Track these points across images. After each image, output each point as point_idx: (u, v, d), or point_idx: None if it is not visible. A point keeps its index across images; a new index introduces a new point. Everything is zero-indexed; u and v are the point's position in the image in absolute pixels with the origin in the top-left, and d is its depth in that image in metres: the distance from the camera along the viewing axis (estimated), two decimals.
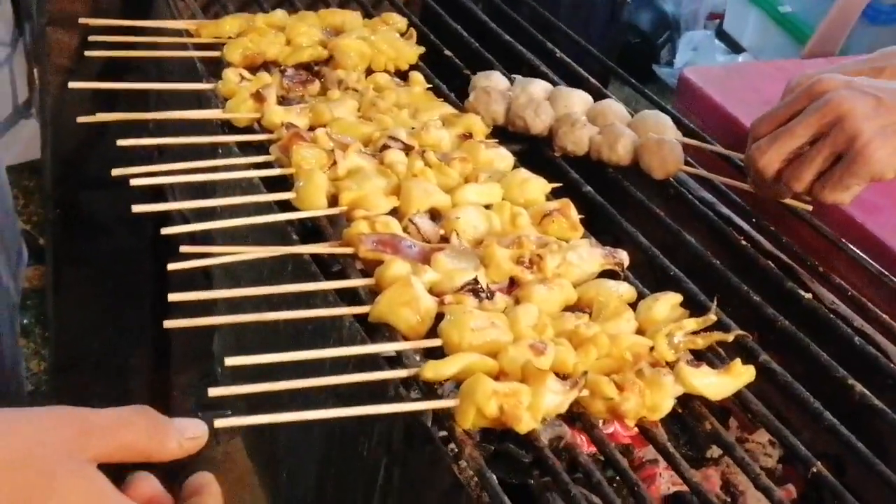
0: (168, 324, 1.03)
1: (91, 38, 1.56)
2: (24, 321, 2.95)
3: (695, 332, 1.11)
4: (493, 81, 1.52)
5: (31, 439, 0.71)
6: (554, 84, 1.57)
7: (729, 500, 1.24)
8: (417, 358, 1.08)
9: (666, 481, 1.23)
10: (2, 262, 1.99)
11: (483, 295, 1.11)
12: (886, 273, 1.33)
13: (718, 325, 1.14)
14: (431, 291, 1.12)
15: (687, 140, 1.46)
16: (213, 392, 0.92)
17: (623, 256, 1.22)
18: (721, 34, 4.53)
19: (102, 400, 2.19)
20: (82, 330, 2.27)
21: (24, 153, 3.25)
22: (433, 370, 1.00)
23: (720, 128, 2.44)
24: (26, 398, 3.13)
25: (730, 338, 1.12)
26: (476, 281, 1.12)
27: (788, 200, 1.38)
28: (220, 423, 0.90)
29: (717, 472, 1.27)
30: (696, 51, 4.49)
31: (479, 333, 1.04)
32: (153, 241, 1.93)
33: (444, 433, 1.01)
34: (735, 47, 4.39)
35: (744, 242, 1.33)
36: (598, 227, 1.33)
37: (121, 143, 1.29)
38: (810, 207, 1.39)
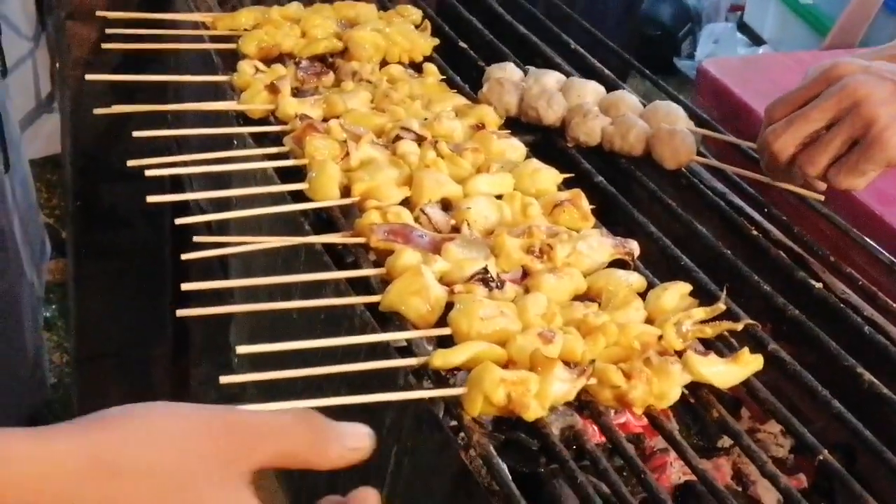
0: (181, 312, 1.05)
1: (109, 30, 1.58)
2: (48, 314, 2.98)
3: (704, 322, 1.11)
4: (507, 73, 1.53)
5: (183, 447, 0.64)
6: (567, 75, 1.58)
7: (740, 489, 1.24)
8: (428, 347, 1.09)
9: (677, 471, 1.23)
10: (26, 255, 2.02)
11: (493, 284, 1.12)
12: None
13: (728, 315, 1.14)
14: (442, 281, 1.13)
15: (698, 129, 1.46)
16: (224, 380, 0.93)
17: (633, 246, 1.22)
18: (742, 26, 4.51)
19: (124, 392, 2.23)
20: (103, 322, 2.30)
21: (46, 147, 3.29)
22: (442, 358, 1.01)
23: (739, 119, 2.44)
24: (49, 391, 3.17)
25: (739, 326, 1.12)
26: (486, 270, 1.13)
27: (800, 190, 1.38)
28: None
29: (728, 461, 1.27)
30: (717, 43, 4.47)
31: (488, 322, 1.05)
32: (172, 233, 1.95)
33: (455, 422, 1.02)
34: (756, 40, 4.38)
35: (755, 232, 1.33)
36: (610, 218, 1.33)
37: (136, 134, 1.31)
38: (822, 198, 1.39)
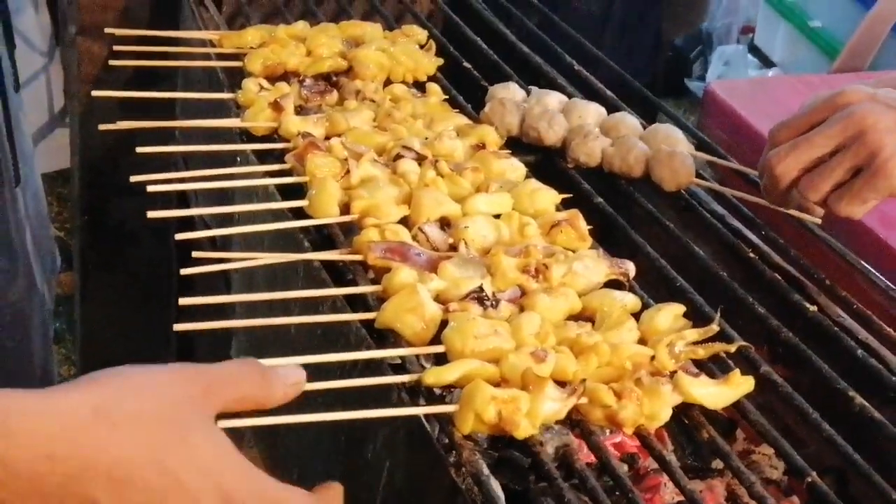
0: (178, 327, 1.06)
1: (116, 47, 1.60)
2: (57, 326, 3.00)
3: (697, 343, 1.12)
4: (509, 93, 1.54)
5: (162, 396, 0.76)
6: (570, 97, 1.59)
7: None
8: (423, 364, 1.10)
9: (671, 491, 1.24)
10: (37, 268, 2.04)
11: (487, 303, 1.13)
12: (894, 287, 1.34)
13: (722, 336, 1.15)
14: (438, 299, 1.14)
15: (697, 154, 1.47)
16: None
17: (629, 267, 1.23)
18: (753, 49, 4.53)
19: None
20: (109, 335, 2.31)
21: (59, 161, 3.31)
22: (434, 376, 1.02)
23: (745, 141, 2.46)
24: None
25: (731, 348, 1.13)
26: (481, 289, 1.14)
27: (797, 213, 1.38)
28: (223, 423, 0.93)
29: (722, 482, 1.27)
30: (727, 65, 4.49)
31: (481, 341, 1.06)
32: (177, 248, 1.97)
33: (447, 440, 1.03)
34: (767, 62, 4.39)
35: (752, 255, 1.34)
36: (609, 239, 1.34)
37: (140, 150, 1.33)
38: (819, 220, 1.40)
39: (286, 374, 0.85)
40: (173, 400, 0.76)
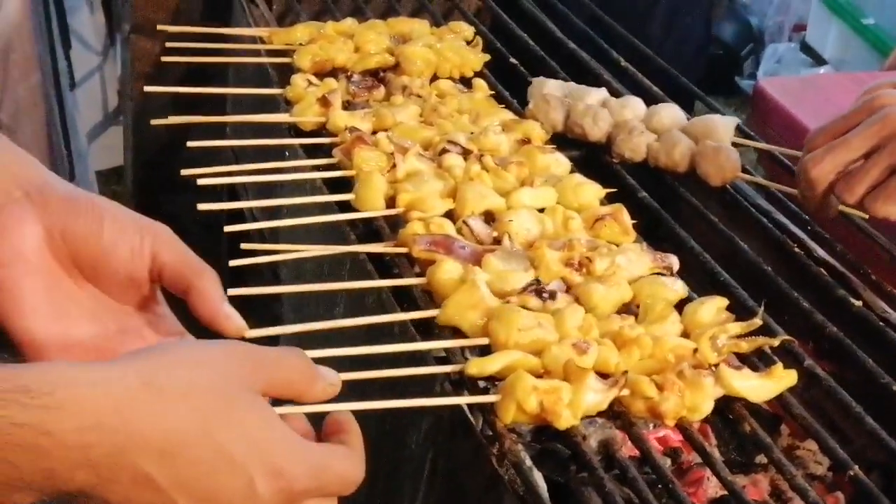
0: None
1: (169, 44, 1.63)
2: None
3: (740, 336, 1.12)
4: (549, 88, 1.55)
5: (212, 370, 0.77)
6: (615, 92, 1.59)
7: None
8: (466, 356, 1.11)
9: (714, 485, 1.24)
10: None
11: (545, 295, 1.14)
12: None
13: (765, 330, 1.15)
14: None
15: (743, 140, 1.47)
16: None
17: (672, 261, 1.23)
18: (805, 46, 4.49)
19: None
20: None
21: (112, 159, 3.36)
22: (478, 366, 1.04)
23: (795, 139, 2.44)
24: None
25: (775, 342, 1.13)
26: (538, 281, 1.14)
27: (844, 208, 1.38)
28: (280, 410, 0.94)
29: (765, 477, 1.27)
30: (779, 63, 4.45)
31: (525, 333, 1.07)
32: (228, 241, 2.00)
33: (490, 431, 1.04)
34: (819, 59, 4.35)
35: (797, 250, 1.34)
36: (654, 233, 1.35)
37: (191, 144, 1.35)
38: (866, 216, 1.39)
39: (326, 373, 0.86)
40: (223, 374, 0.77)
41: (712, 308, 1.14)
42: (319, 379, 0.84)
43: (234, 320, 0.90)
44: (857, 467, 1.01)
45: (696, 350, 1.09)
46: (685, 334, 1.12)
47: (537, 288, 1.14)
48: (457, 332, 1.12)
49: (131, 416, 0.71)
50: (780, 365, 1.08)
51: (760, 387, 1.07)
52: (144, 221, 0.89)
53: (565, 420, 1.00)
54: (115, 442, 0.71)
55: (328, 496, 0.81)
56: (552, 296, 1.14)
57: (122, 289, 0.89)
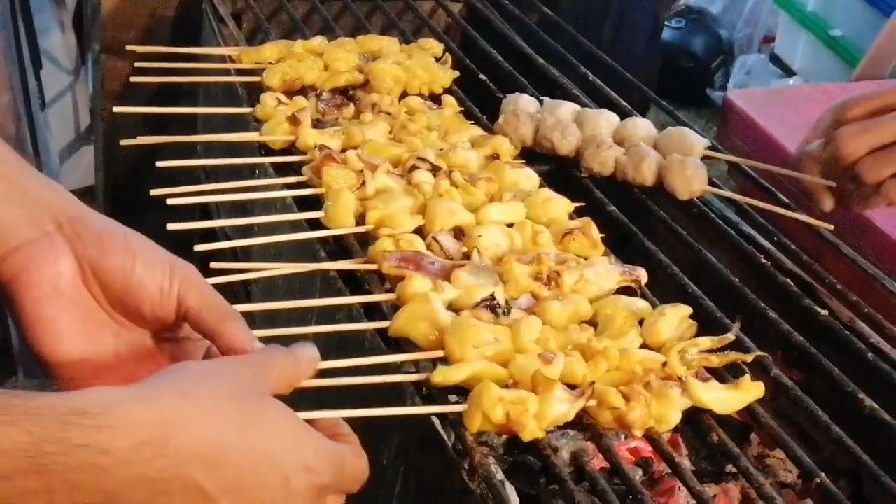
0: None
1: (138, 64, 1.63)
2: None
3: (711, 351, 1.13)
4: (522, 104, 1.56)
5: (232, 380, 0.81)
6: (585, 106, 1.61)
7: None
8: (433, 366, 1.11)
9: (686, 495, 1.25)
10: None
11: (499, 310, 1.15)
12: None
13: (736, 344, 1.16)
14: (451, 307, 1.16)
15: (713, 154, 1.48)
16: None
17: (640, 273, 1.25)
18: (774, 58, 4.53)
19: None
20: None
21: (84, 178, 3.35)
22: (443, 375, 1.04)
23: (763, 150, 2.47)
24: None
25: (748, 358, 1.13)
26: (492, 297, 1.15)
27: (811, 220, 1.40)
28: None
29: (736, 486, 1.28)
30: (749, 74, 4.49)
31: (481, 349, 1.08)
32: (200, 260, 2.00)
33: (461, 446, 1.05)
34: (788, 71, 4.39)
35: (764, 261, 1.35)
36: (622, 247, 1.36)
37: (160, 164, 1.36)
38: (832, 227, 1.41)
39: (303, 352, 0.91)
40: (239, 382, 0.81)
41: (675, 318, 1.15)
42: (306, 365, 0.90)
43: None
44: (823, 475, 1.02)
45: (664, 363, 1.10)
46: (646, 344, 1.13)
47: (490, 304, 1.15)
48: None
49: (177, 429, 0.74)
50: (748, 377, 1.09)
51: (728, 398, 1.08)
52: (175, 261, 0.92)
53: (531, 431, 1.00)
54: (167, 454, 0.73)
55: (345, 492, 0.86)
56: (507, 311, 1.15)
57: (148, 322, 0.92)
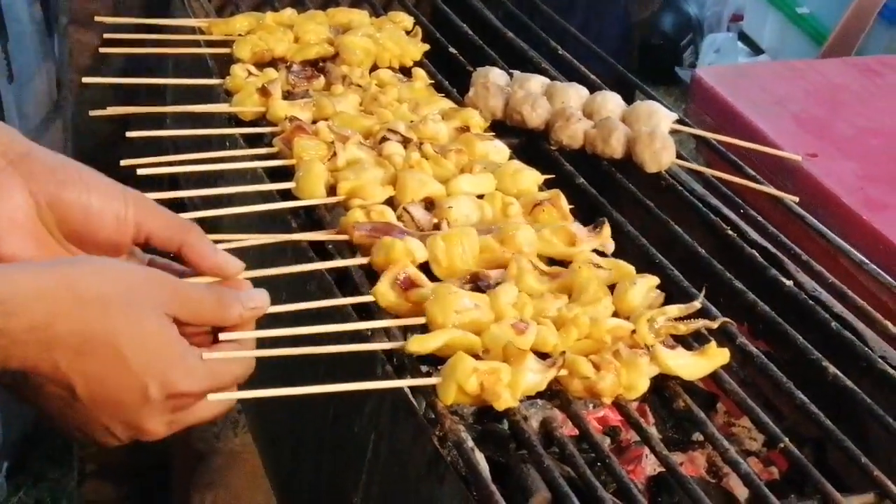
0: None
1: (107, 35, 1.62)
2: None
3: (678, 319, 1.14)
4: (492, 77, 1.57)
5: (130, 289, 0.88)
6: (554, 80, 1.62)
7: (713, 481, 1.28)
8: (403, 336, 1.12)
9: (653, 463, 1.26)
10: None
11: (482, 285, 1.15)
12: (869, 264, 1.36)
13: (702, 312, 1.17)
14: None
15: (680, 127, 1.50)
16: (207, 356, 0.98)
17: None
18: (743, 36, 4.56)
19: None
20: None
21: (53, 150, 3.32)
22: (418, 343, 1.05)
23: (731, 127, 2.48)
24: None
25: (714, 325, 1.15)
26: (477, 276, 1.16)
27: (776, 192, 1.41)
28: (213, 396, 0.96)
29: (703, 454, 1.30)
30: (718, 52, 4.51)
31: (462, 314, 1.09)
32: None
33: (433, 414, 1.06)
34: (756, 49, 4.42)
35: (730, 232, 1.37)
36: (591, 219, 1.37)
37: (130, 134, 1.35)
38: (797, 199, 1.43)
39: (249, 298, 0.95)
40: (137, 292, 0.88)
41: (643, 288, 1.16)
42: (234, 308, 0.94)
43: (231, 262, 0.99)
44: (787, 440, 1.04)
45: (633, 331, 1.11)
46: (617, 313, 1.15)
47: (476, 283, 1.16)
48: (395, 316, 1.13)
49: (56, 321, 0.84)
50: (713, 343, 1.11)
51: (694, 365, 1.10)
52: (127, 190, 0.97)
53: (504, 401, 1.02)
54: (42, 339, 0.84)
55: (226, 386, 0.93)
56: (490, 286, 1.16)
57: (102, 250, 0.96)
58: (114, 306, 0.86)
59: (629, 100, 1.60)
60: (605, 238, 1.25)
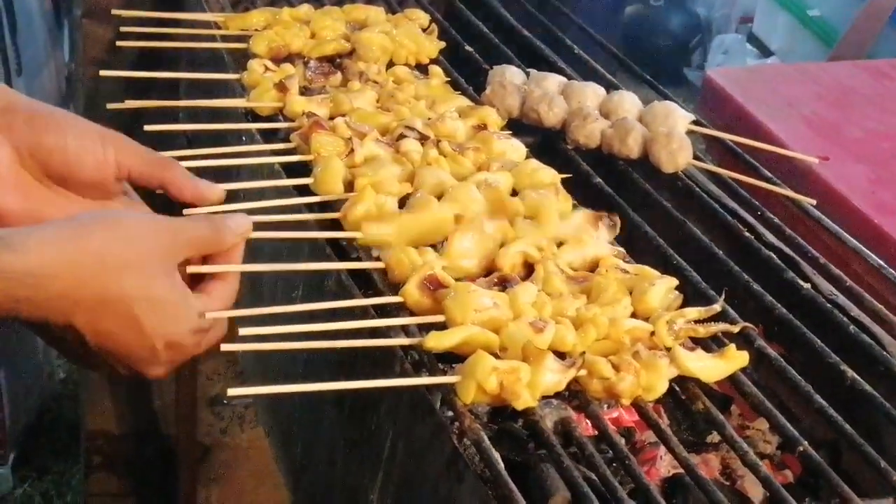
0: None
1: (123, 29, 1.62)
2: None
3: (698, 321, 1.14)
4: (509, 75, 1.56)
5: (144, 248, 0.94)
6: (570, 79, 1.61)
7: (727, 483, 1.27)
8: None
9: (667, 464, 1.26)
10: None
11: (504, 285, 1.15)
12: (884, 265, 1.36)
13: (722, 316, 1.17)
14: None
15: (697, 128, 1.49)
16: (225, 348, 1.01)
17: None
18: (752, 37, 4.55)
19: (131, 386, 2.24)
20: None
21: None
22: (435, 340, 1.05)
23: (742, 129, 2.48)
24: (58, 385, 3.21)
25: (735, 329, 1.15)
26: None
27: (793, 194, 1.41)
28: (233, 391, 0.96)
29: (716, 456, 1.30)
30: (726, 54, 4.51)
31: (481, 313, 1.08)
32: None
33: (450, 412, 1.06)
34: (765, 51, 4.41)
35: (747, 234, 1.37)
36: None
37: (147, 128, 1.35)
38: (814, 201, 1.42)
39: (235, 223, 1.02)
40: (150, 249, 0.94)
41: (662, 289, 1.16)
42: (227, 232, 1.01)
43: (213, 190, 1.08)
44: (805, 443, 1.04)
45: (652, 333, 1.11)
46: (636, 314, 1.14)
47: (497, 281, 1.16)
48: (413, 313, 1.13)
49: (78, 288, 0.91)
50: (732, 346, 1.10)
51: (714, 367, 1.09)
52: (105, 131, 1.03)
53: (524, 401, 1.02)
54: (65, 305, 0.91)
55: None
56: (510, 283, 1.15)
57: (90, 191, 1.02)
58: (129, 270, 0.93)
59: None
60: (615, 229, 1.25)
